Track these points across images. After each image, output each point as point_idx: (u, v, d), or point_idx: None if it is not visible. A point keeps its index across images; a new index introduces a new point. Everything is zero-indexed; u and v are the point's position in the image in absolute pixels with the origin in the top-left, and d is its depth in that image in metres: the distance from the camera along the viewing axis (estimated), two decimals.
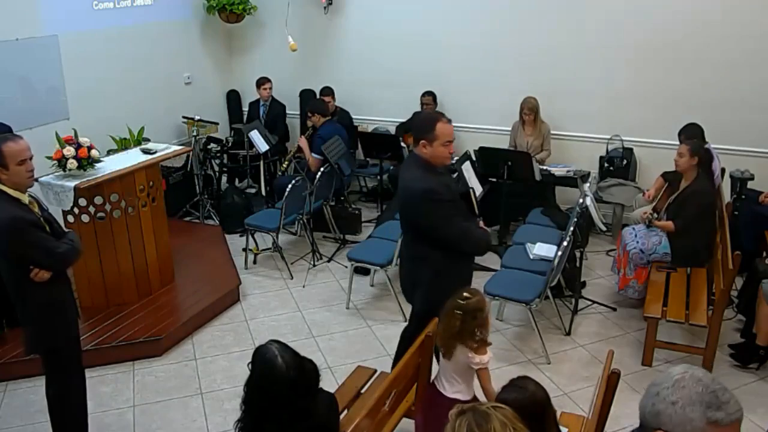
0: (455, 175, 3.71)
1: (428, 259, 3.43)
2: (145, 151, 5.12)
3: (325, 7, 7.33)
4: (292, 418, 2.21)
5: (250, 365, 2.28)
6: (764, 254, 4.90)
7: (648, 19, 5.97)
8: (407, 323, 3.91)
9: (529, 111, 6.27)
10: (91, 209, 4.62)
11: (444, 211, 3.27)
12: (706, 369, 4.13)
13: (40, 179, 4.43)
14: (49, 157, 4.49)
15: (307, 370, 2.29)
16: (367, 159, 6.94)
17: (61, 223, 4.54)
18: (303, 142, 6.40)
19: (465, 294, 2.92)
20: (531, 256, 4.91)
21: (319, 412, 2.33)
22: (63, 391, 3.39)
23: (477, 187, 5.54)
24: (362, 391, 3.49)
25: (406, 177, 3.41)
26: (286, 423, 2.21)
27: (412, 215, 3.42)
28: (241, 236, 6.26)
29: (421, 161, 3.31)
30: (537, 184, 5.89)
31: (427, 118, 3.35)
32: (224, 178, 7.41)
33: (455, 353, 2.93)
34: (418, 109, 6.87)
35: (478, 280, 5.11)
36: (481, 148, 6.01)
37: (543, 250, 4.90)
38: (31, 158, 3.12)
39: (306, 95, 7.64)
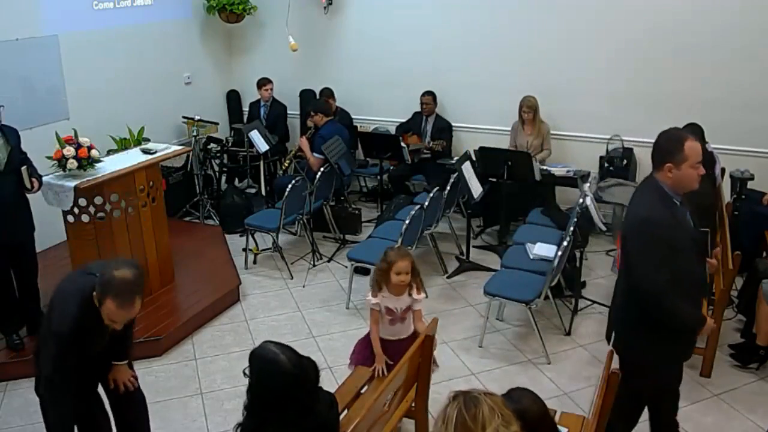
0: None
1: (635, 294, 2.93)
2: (145, 151, 5.12)
3: (325, 7, 7.33)
4: (296, 416, 2.21)
5: (247, 370, 2.24)
6: (764, 254, 4.90)
7: (648, 18, 5.97)
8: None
9: (528, 109, 6.27)
10: (91, 209, 4.61)
11: (652, 252, 2.78)
12: (706, 369, 4.17)
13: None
14: (49, 157, 4.50)
15: (307, 366, 2.29)
16: (367, 159, 6.94)
17: (61, 222, 4.59)
18: (304, 142, 6.40)
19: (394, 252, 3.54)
20: (531, 256, 4.91)
21: (320, 411, 2.32)
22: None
23: (477, 188, 5.57)
24: (362, 391, 3.49)
25: (635, 200, 3.00)
26: (289, 421, 2.21)
27: (627, 241, 2.98)
28: (241, 236, 6.26)
29: (659, 187, 2.88)
30: (537, 184, 5.89)
31: (672, 138, 2.85)
32: (224, 178, 7.41)
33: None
34: (418, 109, 6.88)
35: (478, 280, 5.14)
36: (481, 148, 6.01)
37: (543, 250, 4.90)
38: (132, 321, 2.91)
39: (306, 95, 7.64)
